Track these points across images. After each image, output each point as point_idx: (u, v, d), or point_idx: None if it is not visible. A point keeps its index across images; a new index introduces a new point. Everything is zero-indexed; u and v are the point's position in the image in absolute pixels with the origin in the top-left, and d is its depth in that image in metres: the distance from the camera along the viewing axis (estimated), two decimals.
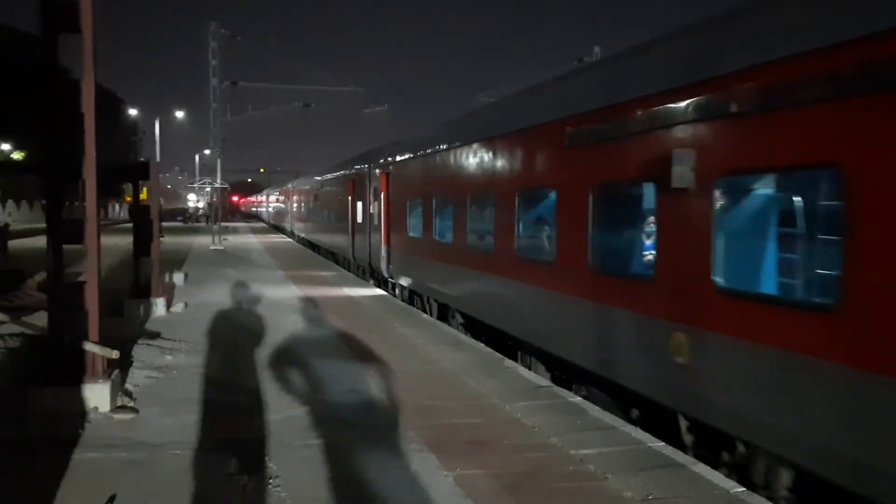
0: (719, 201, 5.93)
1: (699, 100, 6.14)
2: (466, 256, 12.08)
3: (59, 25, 7.13)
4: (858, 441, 4.60)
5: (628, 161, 7.27)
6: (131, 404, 7.40)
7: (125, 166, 20.80)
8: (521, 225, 9.99)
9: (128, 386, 8.05)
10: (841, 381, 4.73)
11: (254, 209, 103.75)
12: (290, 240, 43.83)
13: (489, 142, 11.11)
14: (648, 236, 7.06)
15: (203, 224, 66.16)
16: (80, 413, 6.90)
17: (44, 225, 7.40)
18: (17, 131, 53.38)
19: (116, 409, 7.17)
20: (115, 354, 7.34)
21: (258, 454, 5.96)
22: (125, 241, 17.68)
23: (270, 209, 67.96)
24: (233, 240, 39.85)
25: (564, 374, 9.11)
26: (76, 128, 7.18)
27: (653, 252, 6.90)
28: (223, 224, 41.48)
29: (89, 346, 7.15)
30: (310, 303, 14.98)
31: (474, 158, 11.75)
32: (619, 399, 7.71)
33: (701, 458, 6.24)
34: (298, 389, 8.14)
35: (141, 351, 9.79)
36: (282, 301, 15.14)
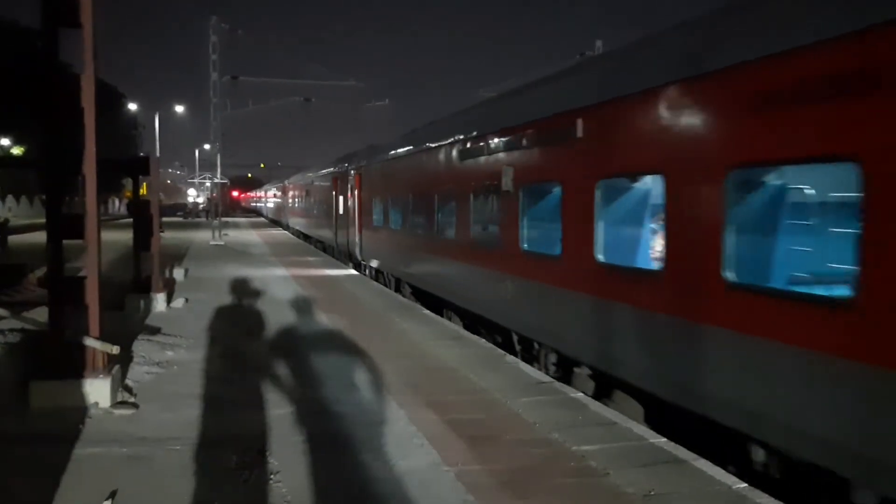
0: (523, 199, 9.59)
1: (510, 137, 9.97)
2: (409, 240, 15.81)
3: (59, 20, 7.10)
4: (575, 327, 8.30)
5: (484, 172, 10.96)
6: (132, 400, 7.39)
7: (125, 161, 20.76)
8: (439, 215, 13.49)
9: (128, 381, 8.05)
10: (564, 298, 8.46)
11: (253, 204, 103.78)
12: (287, 233, 44.62)
13: (419, 153, 14.78)
14: (497, 221, 10.55)
15: (203, 219, 66.18)
16: (80, 408, 6.90)
17: (44, 220, 7.38)
18: (17, 126, 53.34)
19: (117, 404, 7.16)
20: (115, 350, 7.33)
21: (259, 449, 5.95)
22: (125, 237, 17.69)
23: (269, 204, 71.51)
24: (233, 235, 39.83)
25: (477, 324, 11.96)
26: (76, 122, 7.16)
27: (498, 231, 10.54)
28: (223, 219, 41.48)
29: (89, 342, 7.15)
30: (302, 288, 15.54)
31: (410, 165, 15.64)
32: (497, 335, 11.15)
33: (524, 359, 9.81)
34: (298, 384, 8.13)
35: (141, 346, 9.78)
36: (280, 292, 15.16)
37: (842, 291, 4.85)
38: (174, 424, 6.64)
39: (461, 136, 12.06)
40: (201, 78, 43.83)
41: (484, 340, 11.03)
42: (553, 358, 9.23)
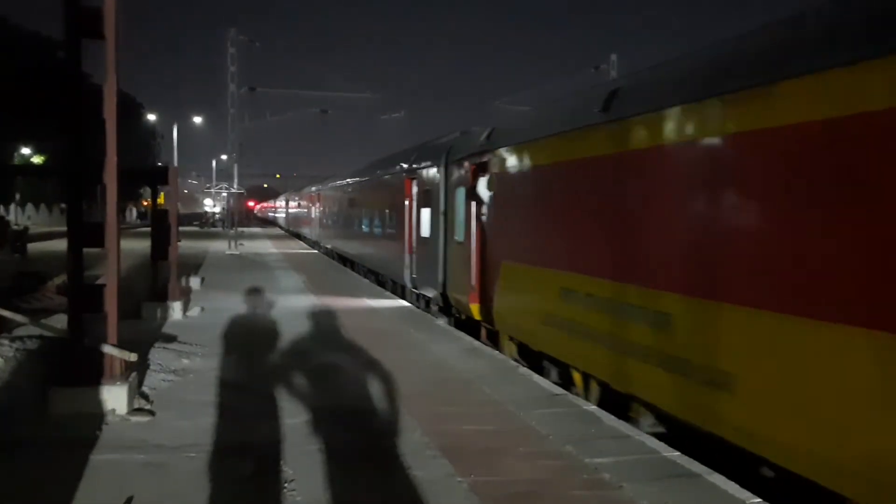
0: (362, 212, 24.77)
1: (355, 186, 27.32)
2: (338, 233, 31.66)
3: (83, 31, 7.22)
4: (379, 261, 22.61)
5: (356, 202, 26.50)
6: (148, 407, 7.46)
7: (145, 171, 21.00)
8: (348, 222, 27.94)
9: (145, 388, 8.12)
10: (379, 252, 22.13)
11: (270, 214, 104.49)
12: (297, 240, 49.94)
13: (336, 188, 32.70)
14: (361, 223, 24.47)
15: (219, 229, 66.56)
16: (97, 415, 6.97)
17: (62, 228, 7.47)
18: (37, 135, 54.02)
19: (133, 411, 7.22)
20: (132, 357, 7.40)
21: (274, 458, 5.99)
22: (141, 245, 17.85)
23: (278, 214, 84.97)
24: (248, 245, 40.03)
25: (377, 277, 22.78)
26: (97, 132, 7.27)
27: (361, 227, 24.99)
28: (239, 229, 41.80)
29: (108, 349, 7.22)
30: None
31: (335, 193, 32.84)
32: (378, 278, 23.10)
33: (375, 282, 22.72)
34: (312, 393, 8.18)
35: (158, 354, 9.86)
36: (295, 308, 15.23)
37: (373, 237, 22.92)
38: (190, 432, 6.69)
39: (350, 182, 28.56)
40: (219, 88, 44.27)
41: (499, 354, 11.06)
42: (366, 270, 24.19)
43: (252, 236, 53.32)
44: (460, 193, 13.11)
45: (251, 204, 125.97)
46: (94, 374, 7.18)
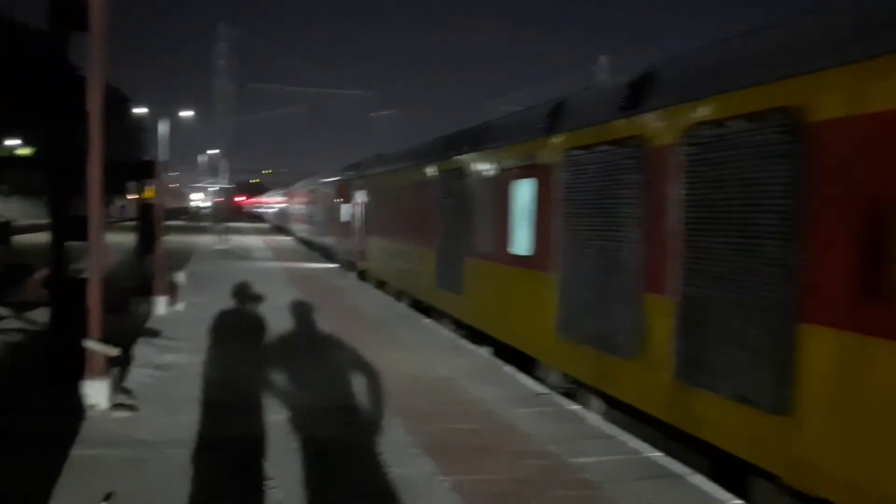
0: (317, 206, 34.47)
1: (313, 186, 37.10)
2: (304, 223, 40.67)
3: (69, 23, 7.16)
4: (320, 233, 34.15)
5: (315, 200, 35.35)
6: (130, 402, 7.40)
7: (130, 164, 20.84)
8: (308, 213, 39.03)
9: (127, 384, 8.05)
10: (316, 227, 35.47)
11: (257, 210, 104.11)
12: (277, 230, 57.51)
13: (302, 187, 43.83)
14: (316, 215, 34.48)
15: (207, 224, 66.21)
16: (78, 410, 6.91)
17: (47, 220, 7.40)
18: (24, 126, 53.51)
19: (115, 406, 7.17)
20: (115, 352, 7.34)
21: (255, 455, 5.96)
22: (128, 240, 17.74)
23: (266, 209, 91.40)
24: (236, 240, 39.87)
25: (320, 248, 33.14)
26: (83, 125, 7.20)
27: (316, 218, 35.24)
28: (228, 224, 41.69)
29: (90, 344, 7.16)
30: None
31: (300, 192, 43.88)
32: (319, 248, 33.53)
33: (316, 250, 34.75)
34: (296, 391, 8.14)
35: (141, 349, 9.80)
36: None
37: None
38: (172, 427, 6.64)
39: (311, 183, 37.96)
40: (210, 83, 44.07)
41: (485, 351, 11.08)
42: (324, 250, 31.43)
43: (240, 231, 53.14)
44: (355, 196, 22.76)
45: (240, 199, 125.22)
46: (76, 368, 7.12)
